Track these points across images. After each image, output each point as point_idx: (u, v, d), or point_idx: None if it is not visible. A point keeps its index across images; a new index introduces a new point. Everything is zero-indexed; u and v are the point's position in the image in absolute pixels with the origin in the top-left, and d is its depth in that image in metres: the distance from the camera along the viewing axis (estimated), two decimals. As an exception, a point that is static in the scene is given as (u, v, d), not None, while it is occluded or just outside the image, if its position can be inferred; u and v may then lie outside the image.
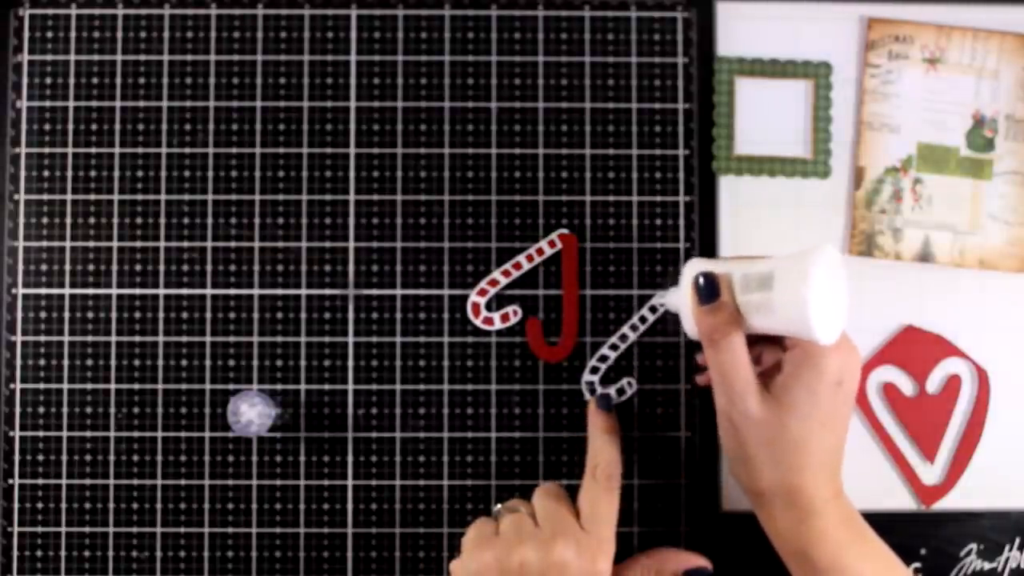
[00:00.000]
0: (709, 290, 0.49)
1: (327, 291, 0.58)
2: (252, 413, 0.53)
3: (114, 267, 0.58)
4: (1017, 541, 0.58)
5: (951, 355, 0.58)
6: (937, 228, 0.58)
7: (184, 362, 0.57)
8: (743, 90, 0.59)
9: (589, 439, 0.54)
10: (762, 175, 0.58)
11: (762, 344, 0.51)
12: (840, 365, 0.48)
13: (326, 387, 0.58)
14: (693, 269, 0.50)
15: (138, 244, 0.58)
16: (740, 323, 0.48)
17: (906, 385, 0.58)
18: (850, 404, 0.49)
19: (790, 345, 0.49)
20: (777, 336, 0.50)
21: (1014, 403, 0.58)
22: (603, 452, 0.52)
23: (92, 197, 0.58)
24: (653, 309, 0.58)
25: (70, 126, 0.58)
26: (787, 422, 0.47)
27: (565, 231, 0.58)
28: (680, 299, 0.51)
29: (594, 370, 0.57)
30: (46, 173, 0.58)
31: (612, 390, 0.57)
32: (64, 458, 0.57)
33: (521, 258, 0.58)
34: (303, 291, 0.58)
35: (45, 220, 0.58)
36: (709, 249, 0.58)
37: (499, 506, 0.52)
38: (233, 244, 0.58)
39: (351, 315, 0.58)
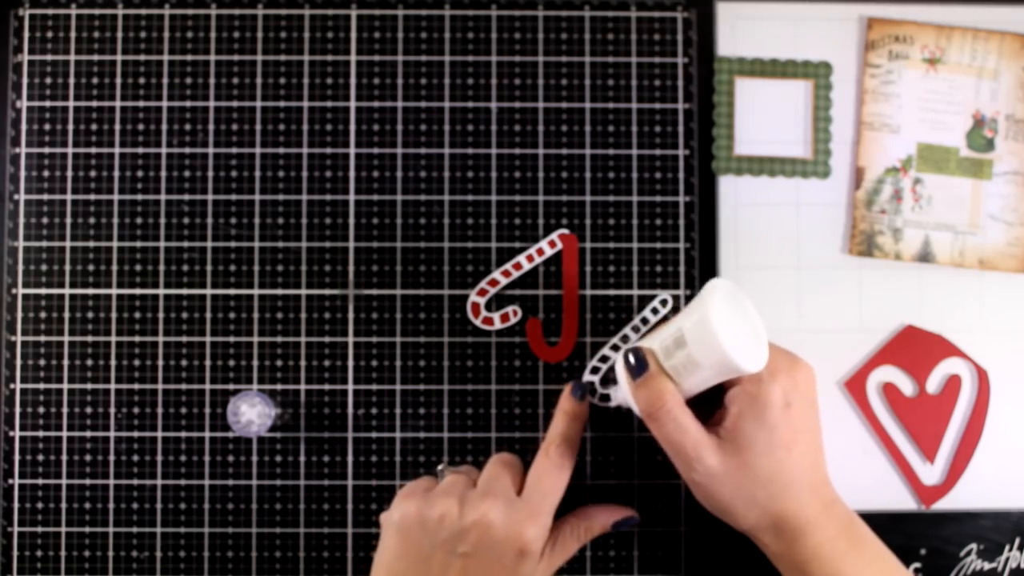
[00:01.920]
0: (639, 363, 0.49)
1: (327, 291, 0.58)
2: (252, 413, 0.53)
3: (114, 267, 0.58)
4: (1017, 541, 0.58)
5: (951, 355, 0.58)
6: (937, 228, 0.58)
7: (184, 362, 0.57)
8: (743, 90, 0.59)
9: (553, 419, 0.53)
10: (762, 175, 0.58)
11: (705, 398, 0.51)
12: (782, 387, 0.47)
13: (326, 387, 0.58)
14: (623, 355, 0.50)
15: (138, 244, 0.58)
16: (673, 389, 0.48)
17: (906, 385, 0.58)
18: (809, 416, 0.49)
19: (728, 387, 0.49)
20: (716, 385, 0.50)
21: (1014, 403, 0.58)
22: (562, 432, 0.52)
23: (92, 197, 0.58)
24: (655, 311, 0.58)
25: (70, 126, 0.58)
26: (750, 461, 0.47)
27: (565, 231, 0.58)
28: (623, 389, 0.50)
29: (594, 370, 0.57)
30: (46, 173, 0.58)
31: (596, 379, 0.57)
32: (64, 458, 0.57)
33: (521, 258, 0.58)
34: (303, 291, 0.58)
35: (45, 220, 0.58)
36: (709, 249, 0.58)
37: (442, 465, 0.52)
38: (233, 244, 0.58)
39: (351, 315, 0.58)
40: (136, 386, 0.57)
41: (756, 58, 0.58)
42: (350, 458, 0.57)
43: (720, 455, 0.47)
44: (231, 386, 0.57)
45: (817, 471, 0.49)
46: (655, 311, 0.58)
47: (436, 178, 0.58)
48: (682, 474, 0.49)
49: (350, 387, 0.58)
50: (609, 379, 0.57)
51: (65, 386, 0.57)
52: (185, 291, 0.58)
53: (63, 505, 0.57)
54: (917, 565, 0.57)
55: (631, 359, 0.49)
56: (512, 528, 0.47)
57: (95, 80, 0.58)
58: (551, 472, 0.50)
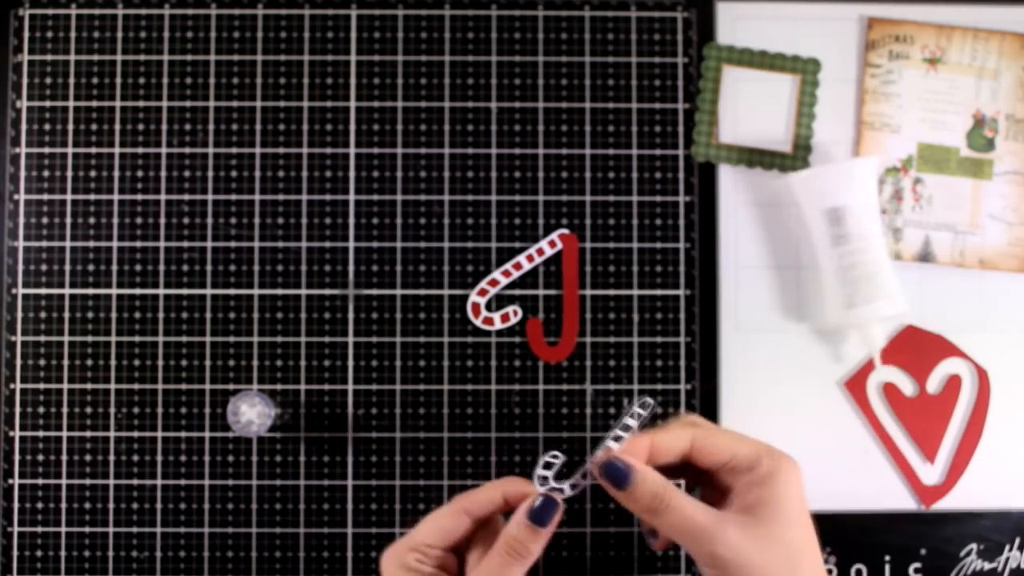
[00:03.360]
0: (620, 474, 0.44)
1: (327, 291, 0.58)
2: (252, 413, 0.53)
3: (114, 267, 0.58)
4: (1017, 541, 0.57)
5: (951, 355, 0.58)
6: (937, 228, 0.58)
7: (184, 362, 0.57)
8: (729, 78, 0.59)
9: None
10: (740, 164, 0.58)
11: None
12: (794, 465, 0.45)
13: (326, 387, 0.58)
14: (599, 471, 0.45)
15: (138, 244, 0.58)
16: (666, 485, 0.44)
17: (906, 385, 0.58)
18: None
19: (722, 474, 0.46)
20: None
21: (1014, 403, 0.58)
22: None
23: (92, 197, 0.58)
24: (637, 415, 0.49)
25: (70, 126, 0.58)
26: (777, 532, 0.44)
27: (565, 231, 0.58)
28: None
29: (547, 465, 0.46)
30: (46, 173, 0.58)
31: (550, 475, 0.46)
32: (64, 458, 0.57)
33: (521, 258, 0.58)
34: (303, 291, 0.58)
35: (45, 220, 0.58)
36: (709, 249, 0.58)
37: None
38: (233, 244, 0.58)
39: (351, 315, 0.58)
40: (136, 386, 0.57)
41: (745, 48, 0.58)
42: (350, 458, 0.57)
43: (742, 527, 0.44)
44: (231, 386, 0.57)
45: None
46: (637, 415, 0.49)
47: (436, 178, 0.58)
48: (701, 559, 0.44)
49: (350, 387, 0.58)
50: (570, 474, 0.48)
51: (65, 386, 0.57)
52: (185, 291, 0.58)
53: (63, 505, 0.57)
54: (917, 565, 0.57)
55: (610, 471, 0.44)
56: None
57: (95, 80, 0.58)
58: None
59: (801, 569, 0.44)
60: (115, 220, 0.58)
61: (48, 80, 0.58)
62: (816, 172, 0.55)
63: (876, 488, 0.58)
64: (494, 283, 0.58)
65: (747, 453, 0.46)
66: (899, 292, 0.55)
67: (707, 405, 0.58)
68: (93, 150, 0.58)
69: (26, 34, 0.58)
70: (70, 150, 0.58)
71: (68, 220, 0.58)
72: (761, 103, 0.59)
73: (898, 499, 0.58)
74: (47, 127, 0.58)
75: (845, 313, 0.55)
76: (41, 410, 0.57)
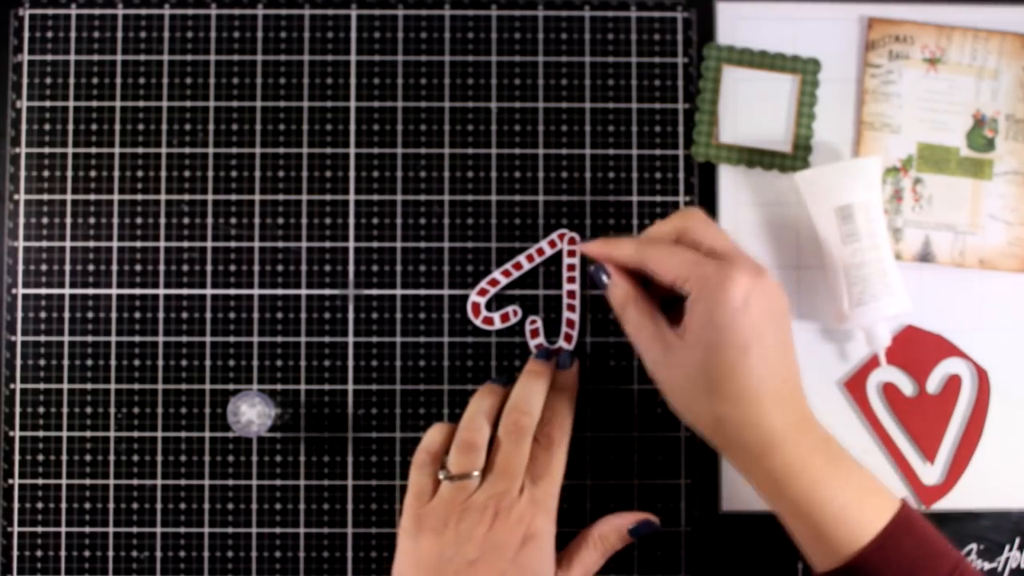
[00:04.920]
0: (600, 275, 0.52)
1: (327, 291, 0.58)
2: (252, 413, 0.53)
3: (114, 267, 0.58)
4: (1017, 541, 0.58)
5: (951, 355, 0.58)
6: (937, 228, 0.58)
7: (184, 362, 0.57)
8: (730, 79, 0.59)
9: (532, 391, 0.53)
10: (740, 164, 0.58)
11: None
12: (744, 286, 0.46)
13: (326, 387, 0.58)
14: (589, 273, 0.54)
15: (138, 244, 0.58)
16: (630, 293, 0.51)
17: (906, 385, 0.58)
18: (775, 325, 0.47)
19: (689, 287, 0.48)
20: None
21: (1014, 403, 0.58)
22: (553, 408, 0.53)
23: (92, 197, 0.58)
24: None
25: (70, 126, 0.58)
26: (698, 356, 0.47)
27: (565, 231, 0.58)
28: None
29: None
30: (46, 173, 0.58)
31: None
32: (64, 458, 0.57)
33: (521, 258, 0.58)
34: (303, 291, 0.58)
35: (45, 220, 0.58)
36: (709, 249, 0.58)
37: (446, 472, 0.51)
38: (233, 244, 0.58)
39: (351, 315, 0.58)
40: (136, 386, 0.57)
41: (745, 48, 0.58)
42: (350, 458, 0.57)
43: (665, 350, 0.48)
44: (231, 386, 0.57)
45: (786, 382, 0.47)
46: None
47: (436, 178, 0.58)
48: (647, 366, 0.50)
49: (350, 387, 0.58)
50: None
51: (65, 386, 0.57)
52: (185, 291, 0.58)
53: (63, 505, 0.57)
54: (917, 565, 0.57)
55: (593, 274, 0.52)
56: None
57: (95, 80, 0.58)
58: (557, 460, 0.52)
59: (717, 390, 0.46)
60: (115, 220, 0.58)
61: (48, 80, 0.58)
62: (824, 170, 0.55)
63: (876, 488, 0.58)
64: (494, 283, 0.58)
65: (687, 276, 0.48)
66: (903, 290, 0.55)
67: (707, 405, 0.58)
68: (93, 150, 0.58)
69: (26, 34, 0.58)
70: (70, 150, 0.58)
71: (68, 220, 0.58)
72: (761, 103, 0.59)
73: (898, 499, 0.58)
74: (47, 127, 0.58)
75: (853, 311, 0.55)
76: (41, 410, 0.57)
